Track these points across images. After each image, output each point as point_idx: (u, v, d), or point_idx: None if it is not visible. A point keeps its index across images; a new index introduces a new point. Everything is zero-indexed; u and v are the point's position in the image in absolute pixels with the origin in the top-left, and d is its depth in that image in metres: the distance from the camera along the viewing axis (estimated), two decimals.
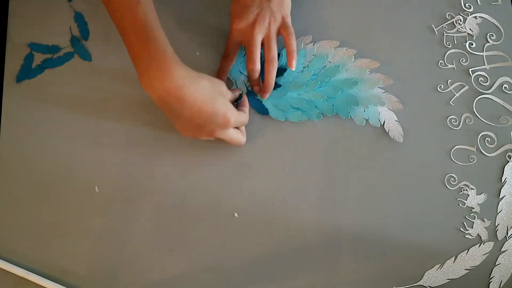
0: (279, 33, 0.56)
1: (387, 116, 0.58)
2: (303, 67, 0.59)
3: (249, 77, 0.58)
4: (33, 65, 0.60)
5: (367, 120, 0.58)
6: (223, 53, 0.59)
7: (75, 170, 0.57)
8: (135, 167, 0.57)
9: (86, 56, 0.60)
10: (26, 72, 0.60)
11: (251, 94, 0.58)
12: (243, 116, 0.54)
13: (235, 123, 0.52)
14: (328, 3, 0.62)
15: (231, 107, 0.52)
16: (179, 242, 0.55)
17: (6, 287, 0.54)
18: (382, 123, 0.58)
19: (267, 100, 0.58)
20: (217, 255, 0.55)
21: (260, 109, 0.58)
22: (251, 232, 0.55)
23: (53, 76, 0.60)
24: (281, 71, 0.58)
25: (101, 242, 0.55)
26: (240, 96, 0.57)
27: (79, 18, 0.61)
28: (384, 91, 0.59)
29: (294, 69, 0.55)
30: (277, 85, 0.58)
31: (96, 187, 0.56)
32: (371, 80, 0.58)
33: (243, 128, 0.56)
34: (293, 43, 0.55)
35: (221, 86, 0.53)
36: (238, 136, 0.54)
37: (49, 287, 0.53)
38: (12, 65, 0.60)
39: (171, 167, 0.57)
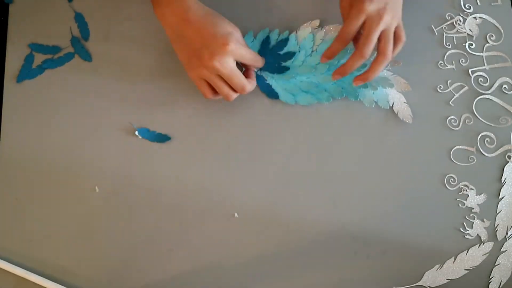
0: (394, 33, 0.53)
1: (396, 98, 0.58)
2: (312, 51, 0.59)
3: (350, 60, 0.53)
4: (34, 66, 0.60)
5: (376, 102, 0.58)
6: (339, 35, 0.52)
7: (75, 170, 0.57)
8: (135, 167, 0.57)
9: (86, 56, 0.60)
10: (27, 73, 0.60)
11: (260, 79, 0.58)
12: (252, 53, 0.52)
13: (236, 51, 0.50)
14: None
15: (234, 37, 0.50)
16: (179, 242, 0.55)
17: (6, 287, 0.54)
18: (391, 105, 0.58)
19: (277, 84, 0.58)
20: (217, 255, 0.55)
21: (270, 93, 0.58)
22: (251, 232, 0.55)
23: (53, 76, 0.60)
24: (290, 54, 0.59)
25: (101, 242, 0.55)
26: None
27: (79, 19, 0.61)
28: (392, 73, 0.59)
29: (380, 70, 0.52)
30: (285, 68, 0.58)
31: (96, 187, 0.56)
32: None
33: (253, 78, 0.55)
34: (397, 50, 0.53)
35: (234, 28, 0.52)
36: (239, 75, 0.51)
37: (49, 287, 0.53)
38: (13, 65, 0.60)
39: (171, 167, 0.57)
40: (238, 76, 0.51)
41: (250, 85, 0.52)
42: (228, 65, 0.50)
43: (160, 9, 0.51)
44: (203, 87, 0.53)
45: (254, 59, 0.53)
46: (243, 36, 0.56)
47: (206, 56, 0.50)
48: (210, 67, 0.50)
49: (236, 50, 0.50)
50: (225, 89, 0.52)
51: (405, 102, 0.58)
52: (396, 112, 0.58)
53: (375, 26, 0.50)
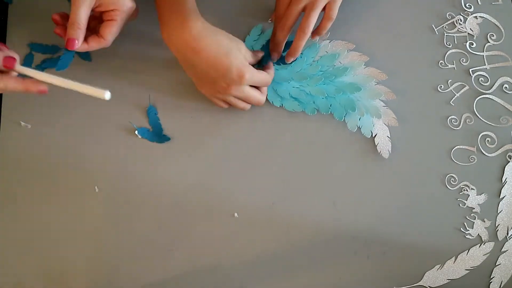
0: (323, 9, 0.54)
1: (380, 130, 0.58)
2: (313, 61, 0.59)
3: (273, 38, 0.57)
4: (33, 65, 0.60)
5: (359, 128, 0.58)
6: (275, 17, 0.56)
7: (75, 170, 0.57)
8: (135, 167, 0.57)
9: (86, 56, 0.60)
10: None
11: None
12: (263, 75, 0.53)
13: (251, 79, 0.52)
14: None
15: (247, 63, 0.52)
16: (179, 242, 0.55)
17: (6, 287, 0.54)
18: (373, 135, 0.58)
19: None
20: (217, 255, 0.55)
21: None
22: (251, 232, 0.55)
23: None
24: None
25: (101, 242, 0.55)
26: (264, 59, 0.57)
27: None
28: (384, 104, 0.59)
29: (297, 55, 0.56)
30: (282, 73, 0.58)
31: (96, 187, 0.56)
32: (374, 90, 0.58)
33: (264, 89, 0.56)
34: (325, 27, 0.55)
35: (240, 44, 0.53)
36: (255, 94, 0.54)
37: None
38: None
39: (171, 167, 0.57)
40: (253, 95, 0.54)
41: (264, 97, 0.55)
42: (244, 91, 0.53)
43: (166, 31, 0.50)
44: (218, 102, 0.56)
45: (265, 80, 0.54)
46: (251, 28, 0.59)
47: (223, 85, 0.52)
48: (228, 94, 0.53)
49: (251, 79, 0.52)
50: (242, 105, 0.55)
51: (388, 136, 0.58)
52: (376, 144, 0.58)
53: (295, 1, 0.53)
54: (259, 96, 0.55)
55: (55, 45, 0.60)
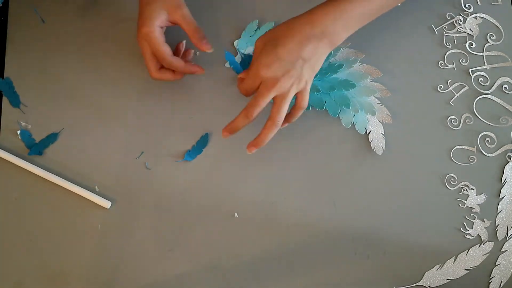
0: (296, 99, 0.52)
1: (374, 127, 0.58)
2: None
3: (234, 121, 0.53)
4: None
5: (353, 125, 0.58)
6: (241, 90, 0.54)
7: (75, 170, 0.57)
8: (135, 167, 0.57)
9: (16, 102, 0.59)
10: None
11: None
12: (171, 57, 0.52)
13: (148, 37, 0.51)
14: None
15: (156, 28, 0.51)
16: (179, 242, 0.55)
17: (6, 287, 0.54)
18: (367, 132, 0.58)
19: None
20: (217, 255, 0.55)
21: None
22: (251, 232, 0.55)
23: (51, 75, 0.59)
24: None
25: (101, 242, 0.55)
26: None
27: None
28: (379, 101, 0.59)
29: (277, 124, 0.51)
30: None
31: (96, 187, 0.56)
32: (369, 87, 0.58)
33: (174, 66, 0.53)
34: (296, 115, 0.53)
35: (176, 8, 0.52)
36: (146, 52, 0.53)
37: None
38: (13, 65, 0.60)
39: (170, 167, 0.57)
40: (145, 53, 0.53)
41: (164, 75, 0.55)
42: (142, 44, 0.53)
43: None
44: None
45: (168, 59, 0.53)
46: (248, 23, 0.59)
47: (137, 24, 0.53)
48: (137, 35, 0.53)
49: (149, 37, 0.52)
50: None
51: (382, 133, 0.58)
52: (370, 140, 0.58)
53: (266, 91, 0.50)
54: (151, 66, 0.54)
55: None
